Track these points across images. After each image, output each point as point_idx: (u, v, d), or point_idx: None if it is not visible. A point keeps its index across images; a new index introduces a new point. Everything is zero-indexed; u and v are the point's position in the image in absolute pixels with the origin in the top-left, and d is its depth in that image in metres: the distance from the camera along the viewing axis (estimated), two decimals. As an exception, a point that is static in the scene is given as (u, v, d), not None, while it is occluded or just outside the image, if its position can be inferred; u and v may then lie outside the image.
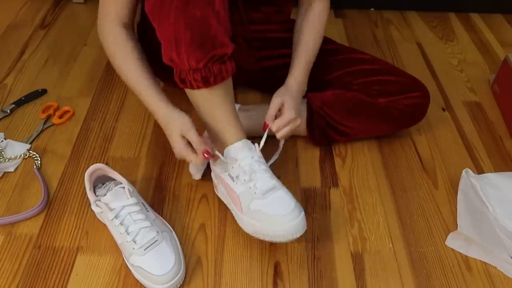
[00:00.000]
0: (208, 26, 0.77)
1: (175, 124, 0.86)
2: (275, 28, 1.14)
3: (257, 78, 1.20)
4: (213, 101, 0.87)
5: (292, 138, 1.13)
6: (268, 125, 0.94)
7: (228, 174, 0.90)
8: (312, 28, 1.05)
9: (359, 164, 1.12)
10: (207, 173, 1.02)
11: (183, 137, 0.86)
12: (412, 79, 1.11)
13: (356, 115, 1.08)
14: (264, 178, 0.87)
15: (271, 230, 0.83)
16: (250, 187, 0.86)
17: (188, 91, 0.87)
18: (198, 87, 0.83)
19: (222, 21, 0.79)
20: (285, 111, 0.95)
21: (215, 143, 0.93)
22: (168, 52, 0.81)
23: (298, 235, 0.83)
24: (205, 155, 0.85)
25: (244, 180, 0.87)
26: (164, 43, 0.81)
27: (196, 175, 1.02)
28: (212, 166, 0.96)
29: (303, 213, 0.84)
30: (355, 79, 1.09)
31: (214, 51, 0.80)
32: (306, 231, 0.95)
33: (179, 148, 0.87)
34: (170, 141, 0.89)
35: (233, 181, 0.89)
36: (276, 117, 0.95)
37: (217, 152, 0.89)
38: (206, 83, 0.82)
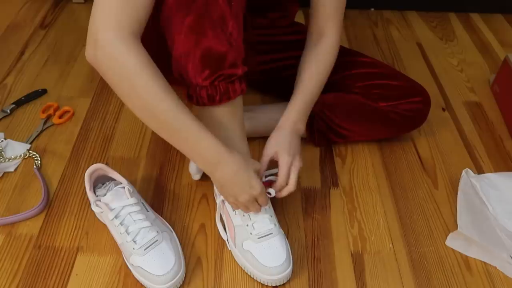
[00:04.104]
0: (218, 47, 0.76)
1: (253, 167, 0.82)
2: (278, 32, 1.14)
3: (257, 80, 1.20)
4: (219, 120, 0.86)
5: (292, 138, 1.13)
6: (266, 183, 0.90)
7: None
8: (316, 67, 0.98)
9: (359, 164, 1.12)
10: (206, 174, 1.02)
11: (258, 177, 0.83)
12: (414, 83, 1.10)
13: (356, 118, 1.08)
14: (263, 220, 0.87)
15: (257, 275, 0.85)
16: (247, 225, 0.87)
17: (195, 108, 0.86)
18: (204, 104, 0.82)
19: (234, 43, 0.78)
20: (281, 164, 0.88)
21: None
22: (177, 66, 0.80)
23: (282, 283, 0.86)
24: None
25: (243, 215, 0.87)
26: (174, 58, 0.80)
27: (196, 175, 1.02)
28: None
29: (291, 266, 0.86)
30: (356, 82, 1.08)
31: (222, 71, 0.78)
32: (306, 231, 0.96)
33: (260, 187, 0.82)
34: (245, 186, 0.80)
35: (233, 210, 0.89)
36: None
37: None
38: (212, 101, 0.81)
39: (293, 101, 0.96)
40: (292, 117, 0.94)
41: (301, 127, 0.95)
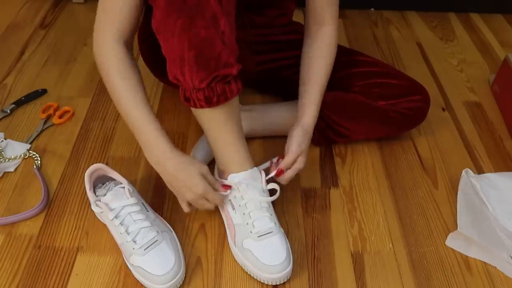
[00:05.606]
0: (212, 46, 0.76)
1: (195, 167, 0.84)
2: (277, 31, 1.14)
3: (257, 80, 1.20)
4: (217, 121, 0.86)
5: (292, 138, 1.13)
6: (281, 171, 0.91)
7: (229, 200, 0.90)
8: (322, 60, 0.99)
9: (359, 164, 1.12)
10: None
11: (204, 177, 0.84)
12: (413, 82, 1.10)
13: (355, 117, 1.08)
14: (263, 218, 0.87)
15: (257, 273, 0.85)
16: (247, 224, 0.87)
17: (193, 110, 0.86)
18: (201, 107, 0.83)
19: (227, 41, 0.78)
20: (299, 159, 0.92)
21: (219, 164, 0.92)
22: (172, 70, 0.80)
23: (282, 282, 0.86)
24: (225, 189, 0.87)
25: (244, 214, 0.87)
26: (169, 61, 0.80)
27: None
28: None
29: (291, 265, 0.86)
30: (355, 81, 1.08)
31: (217, 71, 0.78)
32: (306, 231, 0.96)
33: (203, 186, 0.83)
34: (188, 184, 0.84)
35: (233, 209, 0.89)
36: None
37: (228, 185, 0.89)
38: (209, 103, 0.81)
39: (308, 95, 0.97)
40: (311, 112, 0.96)
41: (316, 120, 0.98)
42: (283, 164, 0.91)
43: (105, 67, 0.84)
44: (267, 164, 0.93)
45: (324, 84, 0.99)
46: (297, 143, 0.92)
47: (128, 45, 0.85)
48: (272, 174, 0.91)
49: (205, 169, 0.85)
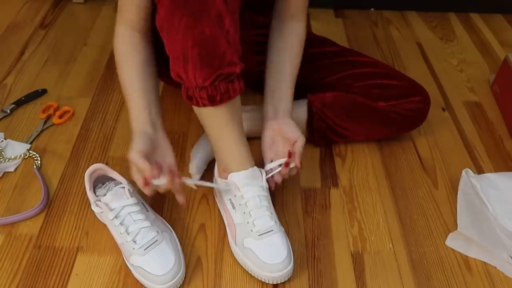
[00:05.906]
0: (216, 45, 0.77)
1: (131, 151, 0.81)
2: None
3: (257, 80, 1.20)
4: (219, 120, 0.86)
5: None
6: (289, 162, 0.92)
7: (230, 200, 0.90)
8: (295, 58, 1.02)
9: (359, 164, 1.12)
10: (206, 174, 1.02)
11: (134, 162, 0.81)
12: (413, 83, 1.10)
13: (355, 118, 1.08)
14: (264, 217, 0.87)
15: (257, 272, 0.85)
16: (248, 222, 0.87)
17: (195, 109, 0.86)
18: (204, 105, 0.83)
19: (231, 40, 0.78)
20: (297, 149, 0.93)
21: (220, 163, 0.92)
22: (175, 68, 0.80)
23: (283, 281, 0.86)
24: (145, 183, 0.80)
25: (244, 212, 0.87)
26: (172, 59, 0.80)
27: (196, 175, 1.01)
28: (217, 179, 0.96)
29: (292, 263, 0.85)
30: (355, 82, 1.08)
31: (221, 70, 0.78)
32: (306, 231, 0.96)
33: (133, 172, 0.82)
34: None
35: (233, 208, 0.89)
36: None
37: (187, 181, 0.86)
38: (212, 101, 0.82)
39: (284, 89, 0.99)
40: (289, 104, 0.98)
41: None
42: (297, 153, 0.91)
43: (114, 49, 0.91)
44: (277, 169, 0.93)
45: (295, 79, 1.01)
46: (299, 132, 0.94)
47: (142, 33, 0.90)
48: (293, 164, 0.91)
49: (134, 154, 0.80)
